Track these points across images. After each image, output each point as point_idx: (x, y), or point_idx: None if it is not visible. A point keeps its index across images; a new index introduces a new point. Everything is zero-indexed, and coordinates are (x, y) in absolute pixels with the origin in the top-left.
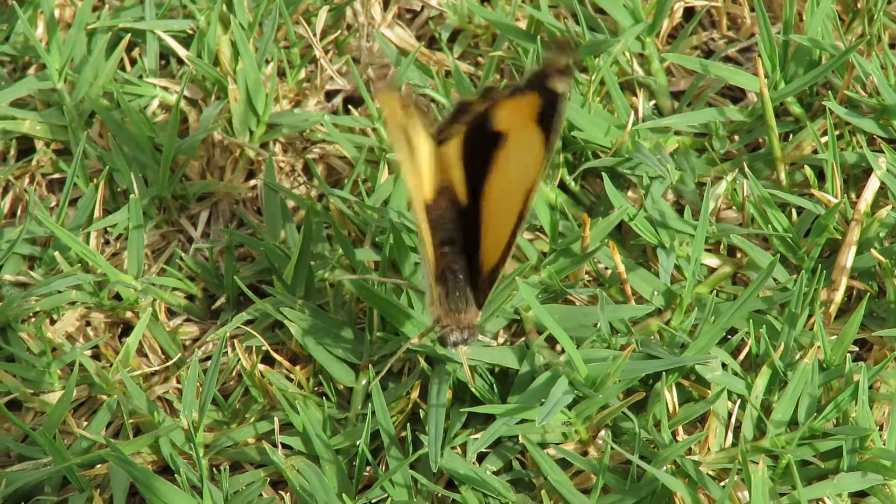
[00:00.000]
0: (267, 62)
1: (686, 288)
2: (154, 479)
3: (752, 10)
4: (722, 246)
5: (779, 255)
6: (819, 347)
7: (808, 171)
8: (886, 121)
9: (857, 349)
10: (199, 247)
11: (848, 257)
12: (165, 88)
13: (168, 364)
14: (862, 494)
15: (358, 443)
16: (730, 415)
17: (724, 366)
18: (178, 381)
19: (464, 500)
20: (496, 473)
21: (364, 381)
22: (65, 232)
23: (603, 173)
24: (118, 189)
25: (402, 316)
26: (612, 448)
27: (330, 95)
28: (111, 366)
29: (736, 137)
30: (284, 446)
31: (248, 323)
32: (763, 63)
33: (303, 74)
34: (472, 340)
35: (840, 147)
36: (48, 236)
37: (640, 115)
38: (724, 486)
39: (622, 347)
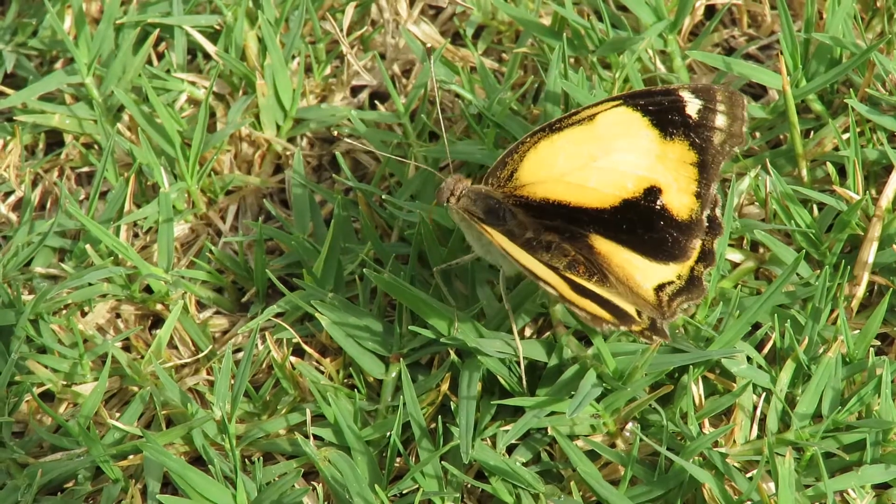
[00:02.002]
0: (293, 58)
1: (711, 282)
2: (188, 470)
3: (773, 7)
4: (745, 241)
5: (803, 251)
6: (842, 341)
7: (829, 167)
8: None
9: (879, 343)
10: (228, 240)
11: (870, 253)
12: (193, 83)
13: (199, 356)
14: (885, 486)
15: (389, 434)
16: (755, 407)
17: (748, 359)
18: (209, 373)
19: (494, 490)
20: (525, 465)
21: (394, 374)
22: (96, 225)
23: None
24: (147, 183)
25: (430, 309)
26: (640, 440)
27: (356, 91)
28: (142, 358)
29: (757, 134)
30: (316, 437)
31: (278, 315)
32: (785, 61)
33: (329, 70)
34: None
35: (861, 144)
36: (78, 229)
37: None
38: (750, 478)
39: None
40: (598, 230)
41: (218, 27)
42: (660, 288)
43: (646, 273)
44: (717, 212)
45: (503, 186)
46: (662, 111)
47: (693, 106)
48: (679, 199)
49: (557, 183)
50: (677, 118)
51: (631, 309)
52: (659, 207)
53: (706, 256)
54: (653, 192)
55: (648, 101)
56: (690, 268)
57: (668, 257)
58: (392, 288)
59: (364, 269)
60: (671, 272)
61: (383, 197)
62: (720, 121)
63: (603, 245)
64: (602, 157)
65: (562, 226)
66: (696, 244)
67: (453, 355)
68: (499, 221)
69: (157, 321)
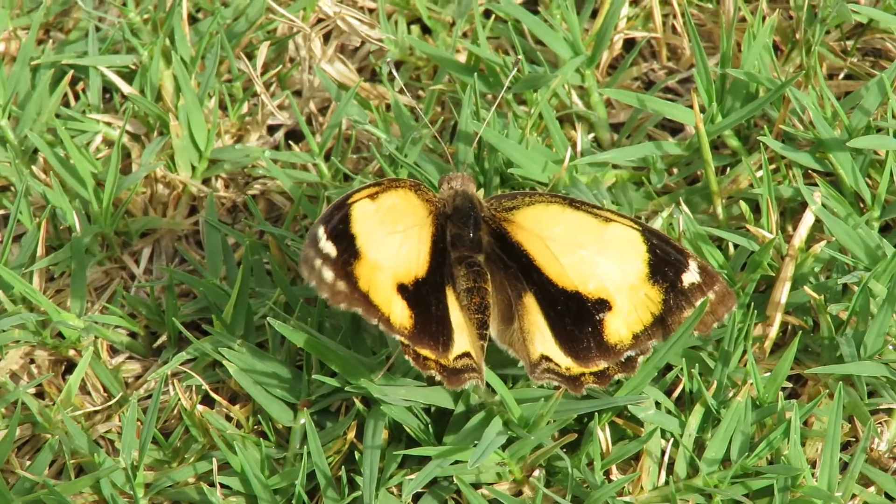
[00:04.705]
0: (210, 97)
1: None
2: None
3: (692, 40)
4: None
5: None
6: (752, 384)
7: (743, 205)
8: (822, 154)
9: (791, 385)
10: (141, 284)
11: (782, 293)
12: (109, 124)
13: (111, 403)
14: None
15: (295, 483)
16: (663, 453)
17: (657, 404)
18: (121, 420)
19: None
20: None
21: (302, 421)
22: (7, 271)
23: None
24: (62, 226)
25: (335, 356)
26: (543, 490)
27: (272, 130)
28: (54, 404)
29: (675, 170)
30: (223, 486)
31: (189, 362)
32: (700, 96)
33: (245, 108)
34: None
35: (777, 180)
36: None
37: (580, 148)
38: None
39: (556, 387)
40: (537, 291)
41: (134, 67)
42: (546, 359)
43: (544, 345)
44: (640, 358)
45: (496, 209)
46: (663, 260)
47: (690, 277)
48: (618, 327)
49: (540, 239)
50: (671, 274)
51: (464, 347)
52: (598, 318)
53: (602, 376)
54: (603, 305)
55: (660, 245)
56: (582, 372)
57: (572, 353)
58: (295, 336)
59: (268, 318)
60: (564, 361)
61: (289, 241)
62: (700, 304)
63: (531, 302)
64: (590, 250)
65: (511, 266)
66: (602, 364)
67: (358, 403)
68: (458, 222)
69: (71, 366)
